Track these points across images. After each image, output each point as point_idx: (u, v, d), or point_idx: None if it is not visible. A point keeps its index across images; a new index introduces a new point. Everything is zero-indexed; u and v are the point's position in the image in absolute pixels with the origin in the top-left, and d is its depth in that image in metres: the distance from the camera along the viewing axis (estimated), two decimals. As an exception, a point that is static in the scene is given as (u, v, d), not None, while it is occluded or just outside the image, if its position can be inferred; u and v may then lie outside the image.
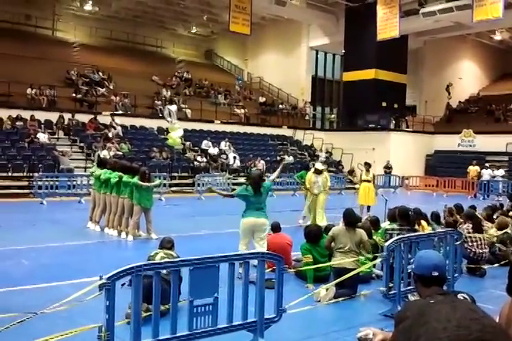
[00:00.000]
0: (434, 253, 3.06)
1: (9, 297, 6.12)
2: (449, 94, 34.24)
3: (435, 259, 2.71)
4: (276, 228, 8.09)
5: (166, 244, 6.35)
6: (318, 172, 12.37)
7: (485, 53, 37.08)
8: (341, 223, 7.05)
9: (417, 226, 7.76)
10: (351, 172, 23.98)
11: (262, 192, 7.25)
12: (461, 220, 9.05)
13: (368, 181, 14.10)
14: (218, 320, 4.49)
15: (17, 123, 20.51)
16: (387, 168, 25.80)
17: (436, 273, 2.59)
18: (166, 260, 5.13)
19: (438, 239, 6.62)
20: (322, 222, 11.22)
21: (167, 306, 4.93)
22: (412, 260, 4.14)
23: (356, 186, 15.46)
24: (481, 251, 8.10)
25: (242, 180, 22.57)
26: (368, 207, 13.91)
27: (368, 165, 14.36)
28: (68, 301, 4.32)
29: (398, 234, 6.52)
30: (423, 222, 8.33)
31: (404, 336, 1.10)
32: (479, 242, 8.14)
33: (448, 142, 28.93)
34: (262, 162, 23.99)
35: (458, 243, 6.81)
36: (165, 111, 18.07)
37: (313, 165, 14.33)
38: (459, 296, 2.38)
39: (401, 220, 7.28)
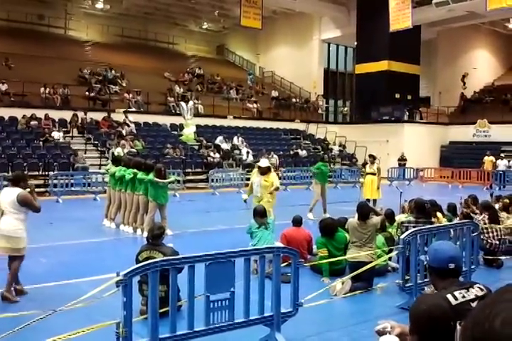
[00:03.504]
0: (449, 244, 3.03)
1: (28, 295, 6.20)
2: (464, 84, 33.88)
3: (451, 251, 2.69)
4: (296, 222, 8.02)
5: (154, 239, 5.68)
6: (261, 171, 9.62)
7: (499, 42, 36.59)
8: (356, 216, 7.03)
9: (433, 218, 7.71)
10: (365, 165, 23.88)
11: (268, 228, 7.34)
12: (477, 211, 8.97)
13: (373, 174, 13.55)
14: (235, 314, 4.51)
15: (32, 123, 20.68)
16: (402, 159, 25.65)
17: (452, 266, 2.57)
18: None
19: (454, 231, 6.58)
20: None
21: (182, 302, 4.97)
22: (425, 251, 4.08)
23: (361, 180, 15.15)
24: (497, 242, 8.03)
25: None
26: (374, 201, 13.14)
27: (372, 158, 13.91)
28: (86, 298, 4.37)
29: (414, 227, 6.47)
30: (438, 214, 8.27)
31: (484, 312, 1.11)
32: (496, 233, 8.08)
33: (463, 133, 28.66)
34: (275, 156, 23.97)
35: (474, 234, 6.76)
36: (180, 107, 18.24)
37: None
38: (476, 287, 2.36)
39: (417, 212, 7.21)
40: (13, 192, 6.11)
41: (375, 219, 6.95)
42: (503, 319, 1.05)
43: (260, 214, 7.42)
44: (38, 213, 6.22)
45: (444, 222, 7.98)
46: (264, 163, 9.98)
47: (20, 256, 6.14)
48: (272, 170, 10.00)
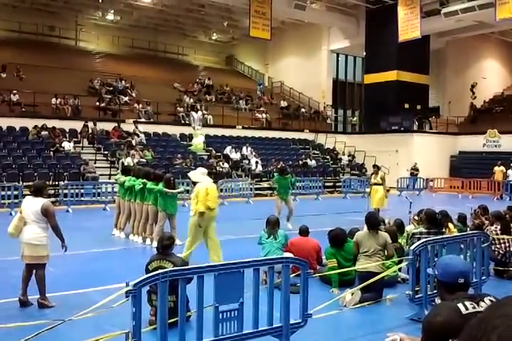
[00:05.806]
0: (459, 259, 3.04)
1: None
2: (474, 93, 33.80)
3: (461, 266, 2.70)
4: (303, 232, 7.99)
5: (164, 249, 5.67)
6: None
7: (509, 52, 36.52)
8: (365, 227, 6.99)
9: (444, 229, 7.65)
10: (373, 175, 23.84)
11: (276, 238, 7.32)
12: (487, 222, 8.90)
13: (378, 184, 13.66)
14: (244, 325, 4.50)
15: (42, 133, 20.83)
16: (415, 169, 25.55)
17: (462, 280, 2.59)
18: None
19: (464, 242, 6.53)
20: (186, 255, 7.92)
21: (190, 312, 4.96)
22: (434, 263, 4.06)
23: (367, 189, 15.29)
24: (509, 253, 7.96)
25: (264, 184, 22.64)
26: (378, 211, 12.95)
27: (376, 168, 14.14)
28: (95, 308, 4.38)
29: (426, 238, 6.40)
30: (450, 225, 8.21)
31: (480, 327, 1.11)
32: (507, 244, 8.00)
33: (472, 143, 28.55)
34: (285, 166, 23.93)
35: (485, 245, 6.71)
36: (191, 117, 18.40)
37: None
38: (487, 300, 2.35)
39: (428, 223, 7.14)
40: (37, 202, 6.17)
41: (387, 236, 6.83)
42: (500, 333, 1.06)
43: (272, 224, 7.42)
44: (53, 228, 6.22)
45: (456, 232, 7.92)
46: (195, 175, 8.71)
47: (42, 265, 6.19)
48: (207, 179, 8.71)
